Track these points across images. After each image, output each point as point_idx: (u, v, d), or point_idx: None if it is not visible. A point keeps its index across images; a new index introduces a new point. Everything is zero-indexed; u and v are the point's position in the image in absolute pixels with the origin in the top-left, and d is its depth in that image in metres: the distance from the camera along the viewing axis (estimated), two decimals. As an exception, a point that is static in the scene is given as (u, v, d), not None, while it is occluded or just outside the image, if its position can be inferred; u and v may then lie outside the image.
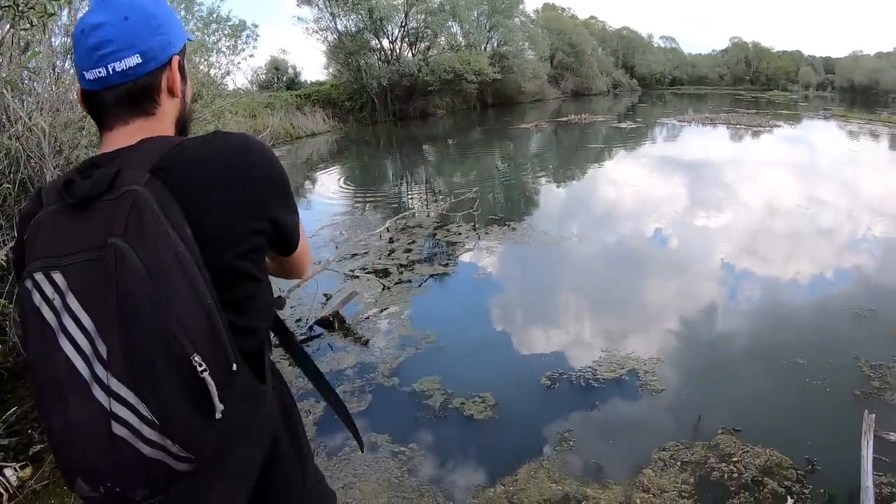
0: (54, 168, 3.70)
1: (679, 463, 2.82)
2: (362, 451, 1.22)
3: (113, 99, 0.87)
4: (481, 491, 2.69)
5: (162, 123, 0.92)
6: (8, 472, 2.74)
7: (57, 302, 0.75)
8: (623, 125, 20.85)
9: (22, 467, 2.83)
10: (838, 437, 2.94)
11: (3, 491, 2.63)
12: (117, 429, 0.73)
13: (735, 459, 2.82)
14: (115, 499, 0.76)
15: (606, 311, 4.88)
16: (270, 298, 0.97)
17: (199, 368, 0.74)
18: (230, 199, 0.84)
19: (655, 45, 59.10)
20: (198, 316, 0.75)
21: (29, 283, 0.77)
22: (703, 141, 16.94)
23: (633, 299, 5.09)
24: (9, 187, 3.50)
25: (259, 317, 0.91)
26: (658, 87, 53.37)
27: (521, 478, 2.75)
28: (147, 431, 0.73)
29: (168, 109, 0.93)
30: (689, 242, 6.77)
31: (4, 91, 3.39)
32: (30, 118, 3.58)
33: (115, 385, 0.73)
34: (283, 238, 0.95)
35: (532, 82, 34.08)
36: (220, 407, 0.76)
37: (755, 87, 53.90)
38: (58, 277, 0.76)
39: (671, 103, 33.03)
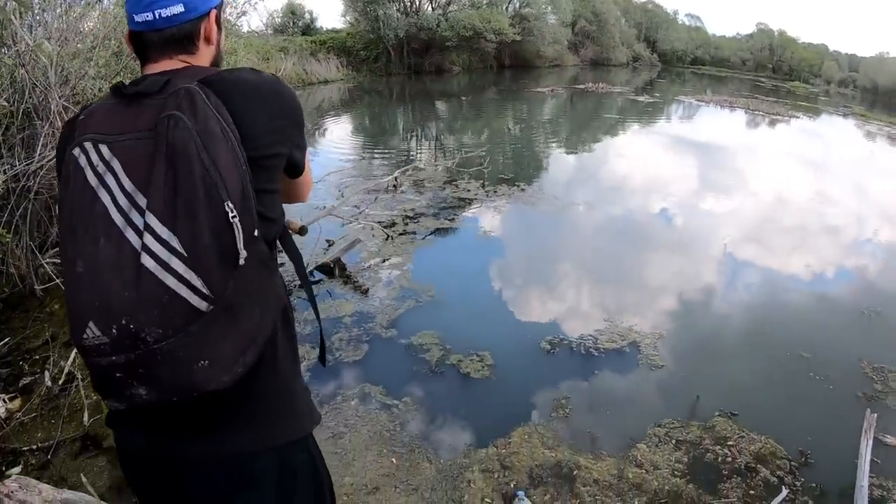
0: (59, 98, 3.64)
1: (674, 441, 2.79)
2: (324, 366, 1.40)
3: (157, 39, 0.99)
4: (473, 451, 2.66)
5: (199, 63, 1.04)
6: (-4, 402, 2.70)
7: (100, 167, 0.86)
8: (640, 99, 20.43)
9: (11, 399, 2.80)
10: (835, 435, 2.93)
11: (-10, 421, 2.59)
12: (146, 260, 0.80)
13: (730, 443, 2.80)
14: (124, 342, 0.81)
15: (611, 282, 4.81)
16: (281, 205, 1.07)
17: (231, 214, 0.83)
18: (263, 114, 0.95)
19: (680, 23, 57.34)
20: (235, 177, 0.86)
21: (76, 150, 0.88)
22: (720, 123, 16.61)
23: (639, 273, 5.02)
24: (12, 110, 3.40)
25: (275, 211, 1.02)
26: (678, 65, 52.14)
27: (514, 441, 2.72)
28: (175, 263, 0.81)
29: (204, 53, 1.05)
30: (699, 225, 6.67)
31: (13, 18, 3.26)
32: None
33: (153, 221, 0.81)
34: (294, 161, 1.06)
35: (551, 47, 33.23)
36: (243, 253, 0.85)
37: (777, 75, 52.59)
38: (104, 149, 0.87)
39: (690, 82, 32.28)
